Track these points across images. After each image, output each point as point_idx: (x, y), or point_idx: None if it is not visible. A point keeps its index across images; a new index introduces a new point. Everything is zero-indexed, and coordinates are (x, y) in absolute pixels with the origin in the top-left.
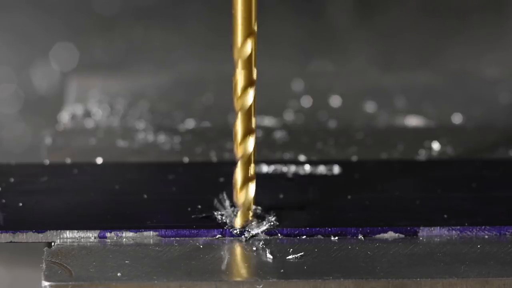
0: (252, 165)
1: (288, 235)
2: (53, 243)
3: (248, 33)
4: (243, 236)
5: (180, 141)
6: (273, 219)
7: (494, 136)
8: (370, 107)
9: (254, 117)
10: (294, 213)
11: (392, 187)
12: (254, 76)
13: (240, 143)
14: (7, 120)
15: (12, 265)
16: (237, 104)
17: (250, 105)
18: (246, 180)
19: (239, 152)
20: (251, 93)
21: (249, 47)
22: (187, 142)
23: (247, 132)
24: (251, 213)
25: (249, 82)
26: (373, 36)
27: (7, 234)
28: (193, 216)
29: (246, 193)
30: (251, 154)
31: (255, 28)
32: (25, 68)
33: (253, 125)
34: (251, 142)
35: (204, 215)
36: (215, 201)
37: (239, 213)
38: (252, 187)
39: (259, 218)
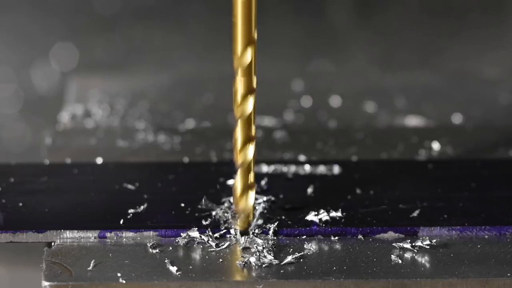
0: (252, 173)
1: (288, 235)
2: (53, 243)
3: (248, 42)
4: (243, 236)
5: (180, 141)
6: (273, 219)
7: (494, 136)
8: (370, 107)
9: (254, 125)
10: (294, 213)
11: (392, 187)
12: (254, 84)
13: (240, 151)
14: (7, 120)
15: (12, 265)
16: (237, 112)
17: (250, 113)
18: (246, 188)
19: (239, 159)
20: (251, 100)
21: (249, 55)
22: (187, 142)
23: (247, 139)
24: (251, 218)
25: (249, 90)
26: (373, 36)
27: (7, 234)
28: (196, 214)
29: (246, 200)
30: (251, 161)
31: (255, 36)
32: (25, 68)
33: (253, 133)
34: (251, 149)
35: (205, 214)
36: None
37: (239, 220)
38: (252, 194)
39: (259, 218)
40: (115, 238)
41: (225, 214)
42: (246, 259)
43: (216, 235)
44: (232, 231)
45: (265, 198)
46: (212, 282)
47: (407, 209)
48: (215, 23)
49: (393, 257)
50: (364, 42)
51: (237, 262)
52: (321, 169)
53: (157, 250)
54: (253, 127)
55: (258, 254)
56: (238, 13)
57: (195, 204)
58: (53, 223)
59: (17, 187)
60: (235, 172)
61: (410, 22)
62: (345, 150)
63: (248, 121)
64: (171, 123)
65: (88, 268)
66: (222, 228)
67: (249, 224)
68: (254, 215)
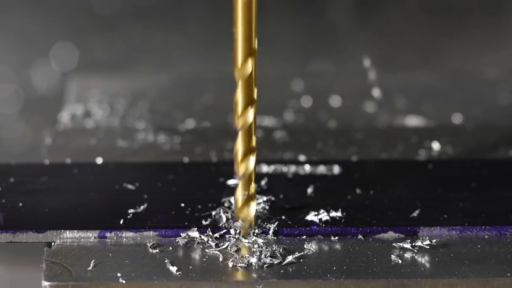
0: (253, 184)
1: (288, 235)
2: (53, 243)
3: (249, 53)
4: (243, 236)
5: (180, 141)
6: (273, 219)
7: (494, 136)
8: (370, 107)
9: (255, 135)
10: (294, 213)
11: (392, 187)
12: (255, 95)
13: (241, 162)
14: (7, 120)
15: (12, 265)
16: (238, 122)
17: (251, 124)
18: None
19: (240, 170)
20: (251, 111)
21: (249, 66)
22: (187, 142)
23: (248, 150)
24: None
25: (250, 101)
26: (373, 36)
27: (7, 234)
28: (196, 214)
29: (248, 210)
30: (252, 172)
31: (255, 46)
32: (25, 68)
33: (254, 144)
34: (252, 160)
35: (204, 214)
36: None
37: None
38: (253, 205)
39: (259, 218)
40: (115, 238)
41: (225, 214)
42: (246, 259)
43: (216, 235)
44: (232, 231)
45: (265, 198)
46: (212, 282)
47: (407, 209)
48: (215, 23)
49: (393, 257)
50: (364, 42)
51: (237, 262)
52: (321, 169)
53: (157, 250)
54: (254, 138)
55: (258, 254)
56: (239, 30)
57: (195, 204)
58: (53, 223)
59: (17, 187)
60: (235, 177)
61: (410, 22)
62: (345, 150)
63: (249, 132)
64: (171, 123)
65: (88, 268)
66: (222, 228)
67: (250, 228)
68: (254, 215)
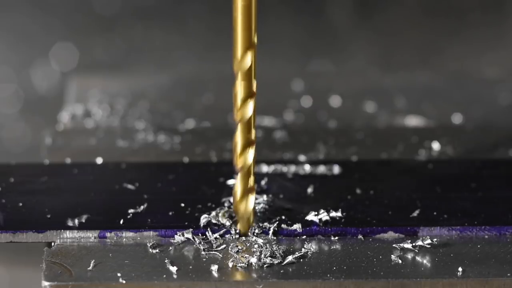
0: (252, 176)
1: (288, 235)
2: (53, 243)
3: (248, 46)
4: (243, 236)
5: (180, 141)
6: (273, 219)
7: (494, 136)
8: (370, 107)
9: (254, 128)
10: (294, 213)
11: (392, 187)
12: (254, 88)
13: (240, 155)
14: (7, 120)
15: (12, 265)
16: (237, 115)
17: (250, 117)
18: (245, 192)
19: (239, 163)
20: (251, 104)
21: (249, 59)
22: (187, 142)
23: (247, 143)
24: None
25: (249, 94)
26: (373, 36)
27: (7, 234)
28: (196, 214)
29: (246, 204)
30: (250, 165)
31: (255, 40)
32: (25, 68)
33: (253, 137)
34: (251, 153)
35: (204, 215)
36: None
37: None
38: (252, 198)
39: (259, 218)
40: (115, 238)
41: (225, 214)
42: (246, 259)
43: (216, 235)
44: (232, 231)
45: (265, 198)
46: (212, 282)
47: (407, 209)
48: (215, 23)
49: (393, 257)
50: (364, 42)
51: (237, 262)
52: (321, 169)
53: (157, 250)
54: (253, 131)
55: (258, 254)
56: (238, 17)
57: (195, 204)
58: (53, 223)
59: (17, 187)
60: (235, 176)
61: (410, 22)
62: (345, 150)
63: (248, 125)
64: (171, 123)
65: (88, 268)
66: (222, 228)
67: (249, 226)
68: (254, 217)
